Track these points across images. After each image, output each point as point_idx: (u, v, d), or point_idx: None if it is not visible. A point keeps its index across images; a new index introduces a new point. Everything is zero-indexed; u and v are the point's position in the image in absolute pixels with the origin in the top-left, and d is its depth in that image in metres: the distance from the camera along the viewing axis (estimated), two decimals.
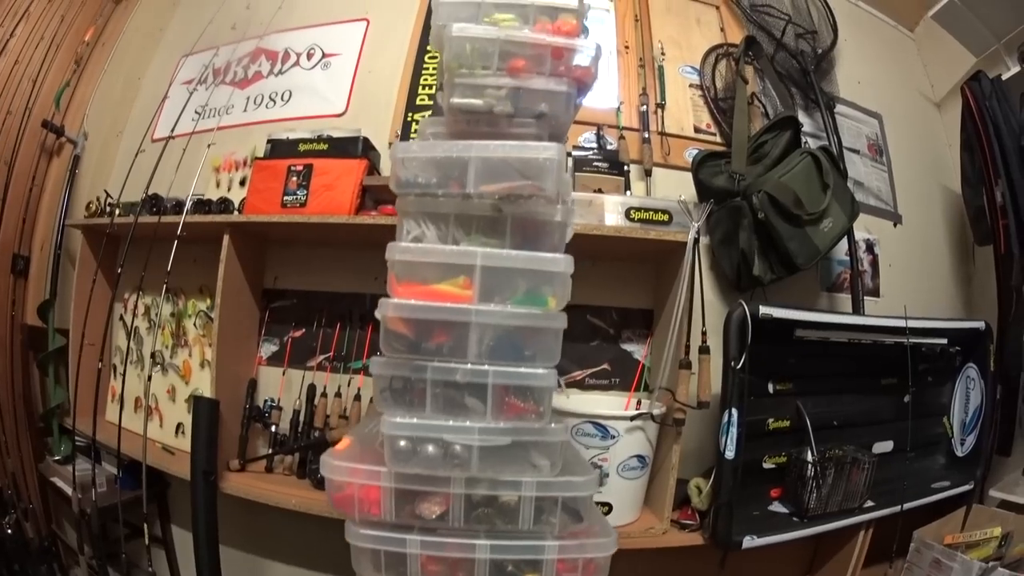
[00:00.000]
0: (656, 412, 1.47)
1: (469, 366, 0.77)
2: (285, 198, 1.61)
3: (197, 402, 1.64)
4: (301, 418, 1.71)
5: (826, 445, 1.70)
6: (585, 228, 1.44)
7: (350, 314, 1.72)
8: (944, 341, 1.90)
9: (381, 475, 0.76)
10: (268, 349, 1.79)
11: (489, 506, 0.77)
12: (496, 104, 0.83)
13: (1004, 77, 2.04)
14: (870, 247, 2.00)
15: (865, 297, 1.91)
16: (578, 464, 0.85)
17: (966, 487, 1.87)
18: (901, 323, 1.74)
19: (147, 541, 1.82)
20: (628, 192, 1.68)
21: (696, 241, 1.49)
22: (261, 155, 1.76)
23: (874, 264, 2.00)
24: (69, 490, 1.86)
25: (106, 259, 1.93)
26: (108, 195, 1.93)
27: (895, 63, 2.31)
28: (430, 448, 0.76)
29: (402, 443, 0.76)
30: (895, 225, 2.08)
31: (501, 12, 0.86)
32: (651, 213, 1.55)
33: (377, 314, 0.81)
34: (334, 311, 1.73)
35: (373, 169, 1.62)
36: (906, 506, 1.71)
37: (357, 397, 1.69)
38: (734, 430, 1.50)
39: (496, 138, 0.83)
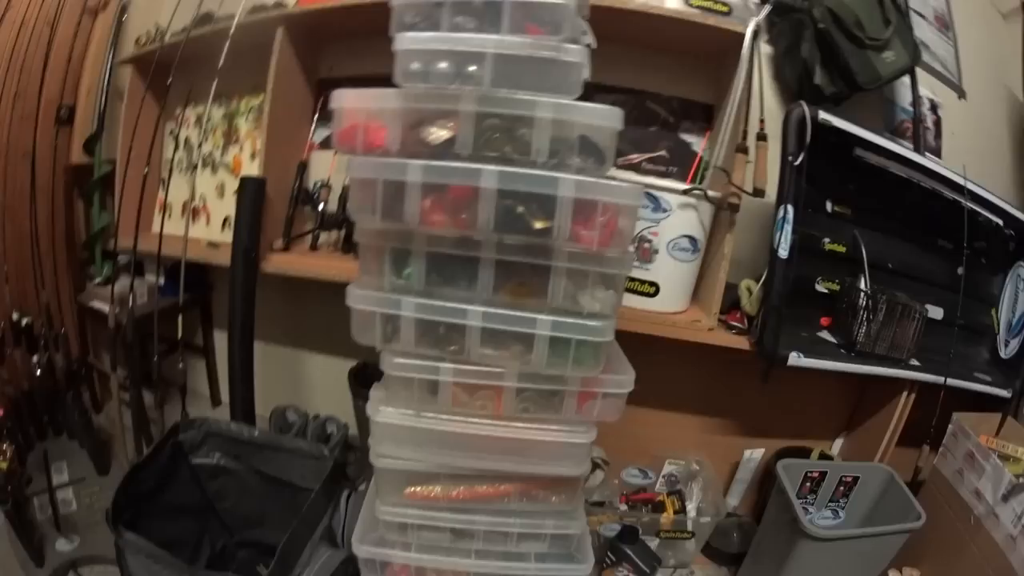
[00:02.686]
0: (711, 193, 1.35)
1: None
2: None
3: (244, 182, 1.57)
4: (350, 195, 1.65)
5: (879, 286, 1.55)
6: (644, 6, 1.32)
7: None
8: (1000, 222, 1.72)
9: (388, 97, 0.65)
10: (321, 135, 1.72)
11: (501, 133, 0.64)
12: None
13: None
14: (934, 107, 1.78)
15: (927, 153, 1.70)
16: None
17: (1004, 392, 1.69)
18: (961, 180, 1.57)
19: (180, 334, 1.80)
20: None
21: (756, 34, 1.35)
22: None
23: (937, 125, 1.78)
24: (106, 307, 1.78)
25: (156, 80, 1.82)
26: (158, 27, 1.84)
27: None
28: (442, 65, 0.63)
29: (414, 64, 0.64)
30: (959, 98, 1.83)
31: None
32: (712, 2, 1.41)
33: None
34: None
35: None
36: (949, 382, 1.54)
37: None
38: (788, 228, 1.36)
39: None
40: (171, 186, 1.89)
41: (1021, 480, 1.32)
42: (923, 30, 1.80)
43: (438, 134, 0.65)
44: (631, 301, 1.45)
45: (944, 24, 1.88)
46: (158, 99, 1.86)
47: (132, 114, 1.83)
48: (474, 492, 0.87)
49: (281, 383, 1.95)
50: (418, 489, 0.86)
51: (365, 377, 1.74)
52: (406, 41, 0.64)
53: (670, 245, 1.42)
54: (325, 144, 1.72)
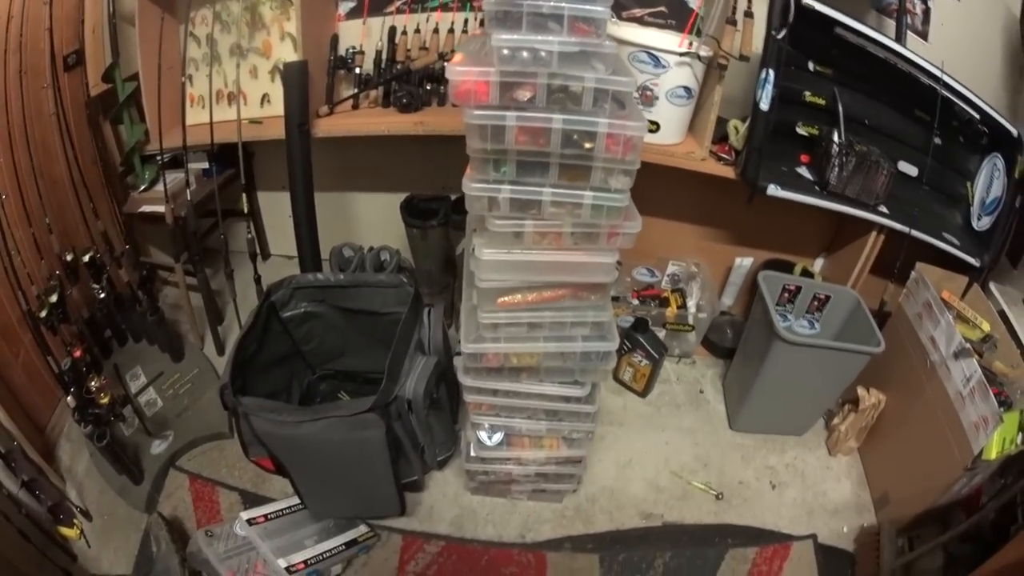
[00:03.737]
0: (703, 54, 2.22)
1: (552, 3, 1.45)
2: None
3: (287, 68, 2.38)
4: (383, 56, 2.54)
5: (855, 138, 2.38)
6: None
7: None
8: (976, 116, 2.46)
9: (490, 73, 1.53)
10: (346, 7, 2.56)
11: (563, 94, 1.55)
12: None
13: None
14: None
15: (914, 35, 2.48)
16: (625, 71, 1.57)
17: (974, 260, 2.52)
18: (937, 71, 2.31)
19: (246, 208, 2.72)
20: None
21: None
22: None
23: (926, 13, 2.51)
24: (161, 208, 2.62)
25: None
26: None
27: None
28: (524, 54, 1.51)
29: (505, 51, 1.51)
30: None
31: None
32: None
33: None
34: None
35: None
36: (914, 233, 2.43)
37: (435, 30, 2.52)
38: (769, 87, 2.20)
39: None
40: (201, 80, 2.68)
41: (968, 345, 2.09)
42: None
43: (523, 94, 1.52)
44: None
45: None
46: (173, 13, 2.58)
47: (148, 32, 2.55)
48: (542, 297, 1.85)
49: (333, 225, 2.92)
50: (506, 299, 1.85)
51: (413, 208, 2.75)
52: (501, 41, 1.50)
53: (668, 93, 2.32)
54: (351, 14, 2.55)
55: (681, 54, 2.24)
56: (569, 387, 2.05)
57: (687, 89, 2.34)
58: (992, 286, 2.55)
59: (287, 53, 2.59)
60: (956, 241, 2.55)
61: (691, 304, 2.80)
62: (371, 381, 2.39)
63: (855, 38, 2.31)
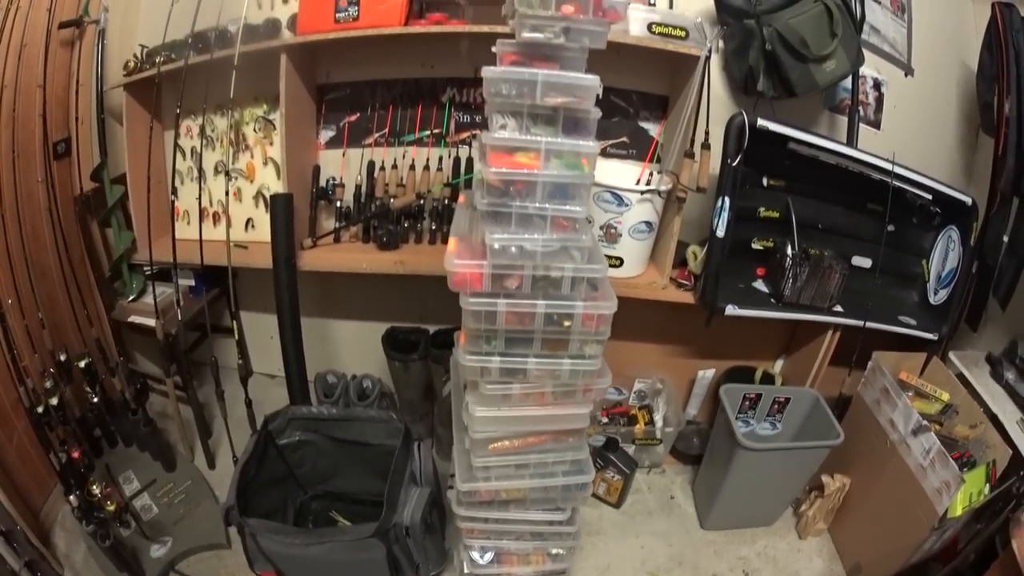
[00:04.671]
0: (662, 189, 2.46)
1: (537, 205, 1.70)
2: (337, 15, 2.39)
3: (274, 200, 2.55)
4: (363, 191, 2.71)
5: (809, 243, 2.59)
6: (612, 36, 2.06)
7: (401, 96, 2.62)
8: (929, 197, 2.69)
9: (483, 265, 1.75)
10: (326, 135, 2.75)
11: (545, 281, 1.79)
12: (553, 38, 1.62)
13: None
14: (877, 85, 2.76)
15: (866, 126, 2.71)
16: (598, 260, 1.82)
17: (932, 335, 2.74)
18: (888, 165, 2.53)
19: (237, 334, 2.86)
20: (653, 4, 2.51)
21: (707, 59, 2.33)
22: None
23: (879, 100, 2.76)
24: (150, 321, 2.76)
25: (154, 101, 2.69)
26: (143, 48, 2.67)
27: None
28: (513, 249, 1.74)
29: (496, 246, 1.73)
30: (906, 75, 2.79)
31: None
32: (670, 28, 2.38)
33: (477, 170, 1.75)
34: (386, 95, 2.61)
35: None
36: (870, 324, 2.64)
37: (412, 167, 2.70)
38: (725, 214, 2.41)
39: (552, 58, 1.66)
40: (186, 194, 2.81)
41: (925, 423, 2.29)
42: (876, 15, 2.68)
43: (512, 283, 1.76)
44: None
45: (900, 7, 2.76)
46: (160, 119, 2.72)
47: (136, 136, 2.71)
48: (527, 442, 2.09)
49: (316, 349, 3.10)
50: (496, 445, 2.08)
51: (394, 340, 2.95)
52: (494, 240, 1.73)
53: (631, 229, 2.54)
54: (331, 144, 2.74)
55: (643, 191, 2.49)
56: (552, 513, 2.29)
57: (648, 224, 2.59)
58: (952, 355, 2.77)
59: (270, 178, 2.79)
60: (913, 321, 2.79)
61: (658, 418, 3.06)
62: (360, 502, 2.70)
63: (807, 150, 2.53)
